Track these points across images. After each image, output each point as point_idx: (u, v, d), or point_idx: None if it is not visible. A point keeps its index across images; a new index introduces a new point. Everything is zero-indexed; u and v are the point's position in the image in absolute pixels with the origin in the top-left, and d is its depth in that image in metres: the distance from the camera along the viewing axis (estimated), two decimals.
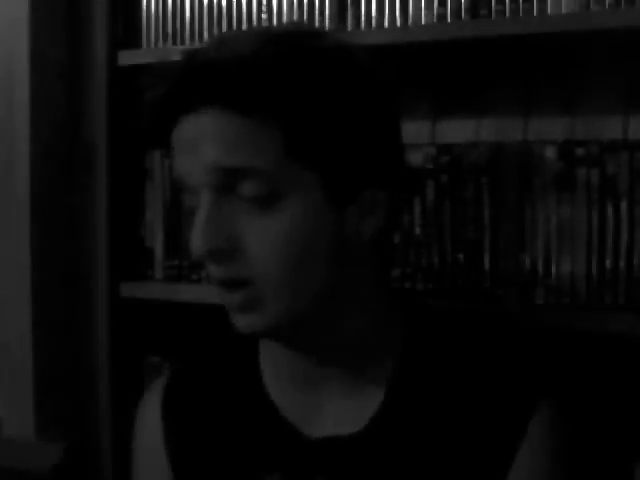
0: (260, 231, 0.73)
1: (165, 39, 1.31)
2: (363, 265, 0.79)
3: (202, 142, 0.73)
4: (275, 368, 0.85)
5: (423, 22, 1.12)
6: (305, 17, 1.19)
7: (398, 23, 1.13)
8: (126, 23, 1.34)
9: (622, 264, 1.04)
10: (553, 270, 1.07)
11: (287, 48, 0.74)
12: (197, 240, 0.73)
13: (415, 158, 1.12)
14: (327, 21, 1.18)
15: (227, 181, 0.73)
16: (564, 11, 1.04)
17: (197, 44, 1.28)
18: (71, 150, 1.39)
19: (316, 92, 0.73)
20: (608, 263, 1.04)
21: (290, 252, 0.73)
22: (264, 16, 1.23)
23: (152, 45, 1.32)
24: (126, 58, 1.32)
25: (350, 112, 0.74)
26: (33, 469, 1.33)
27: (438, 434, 0.79)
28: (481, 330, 0.95)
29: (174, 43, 1.30)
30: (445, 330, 0.86)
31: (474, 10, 1.09)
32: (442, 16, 1.11)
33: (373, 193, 0.76)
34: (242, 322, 0.76)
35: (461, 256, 1.12)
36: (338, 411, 0.81)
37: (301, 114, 0.72)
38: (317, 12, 1.18)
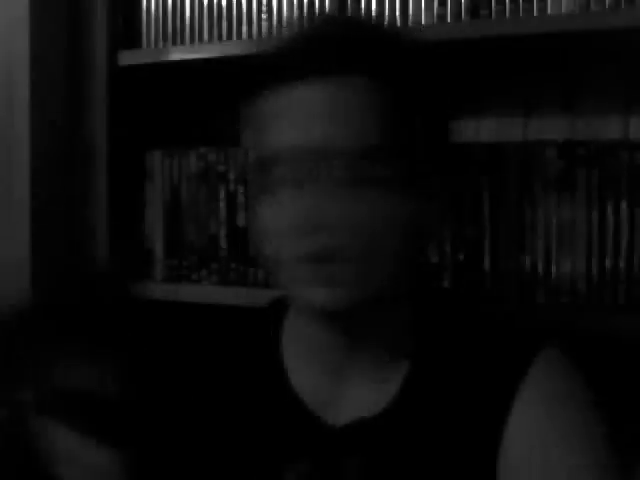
0: (350, 210, 0.72)
1: (165, 39, 1.31)
2: (417, 256, 0.82)
3: (320, 112, 0.72)
4: (300, 354, 0.84)
5: (423, 22, 1.12)
6: (305, 17, 1.19)
7: (398, 23, 1.13)
8: (126, 23, 1.34)
9: (622, 264, 1.04)
10: (553, 270, 1.07)
11: (390, 29, 0.85)
12: (292, 211, 0.72)
13: None
14: None
15: (332, 156, 0.72)
16: (564, 11, 1.04)
17: (197, 44, 1.28)
18: (71, 150, 1.39)
19: (418, 72, 0.77)
20: (608, 263, 1.04)
21: (373, 233, 0.73)
22: (264, 16, 1.23)
23: (152, 45, 1.32)
24: (126, 58, 1.32)
25: (435, 95, 0.80)
26: None
27: (457, 404, 0.79)
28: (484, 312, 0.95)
29: (174, 43, 1.30)
30: (457, 310, 0.87)
31: (474, 10, 1.09)
32: (442, 16, 1.11)
33: (437, 183, 0.79)
34: (317, 296, 0.74)
35: (461, 256, 1.12)
36: (361, 395, 0.82)
37: (416, 93, 0.76)
38: (317, 12, 1.18)
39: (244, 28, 1.24)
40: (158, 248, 1.34)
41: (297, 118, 0.74)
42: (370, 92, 0.73)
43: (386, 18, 1.14)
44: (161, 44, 1.31)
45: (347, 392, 0.82)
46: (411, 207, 0.75)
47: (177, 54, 1.28)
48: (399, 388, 0.81)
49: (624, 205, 1.04)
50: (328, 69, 0.72)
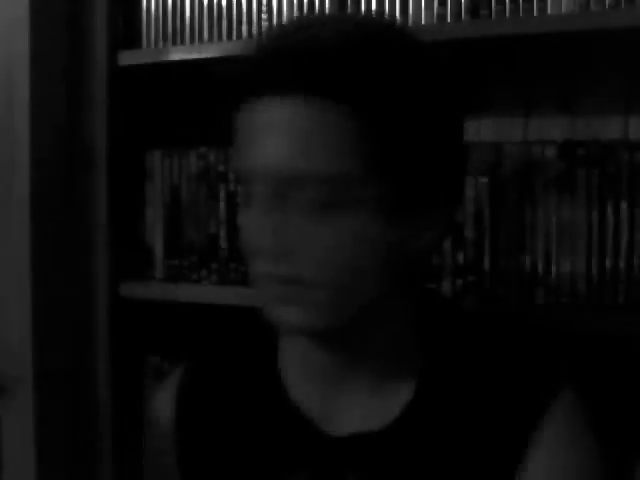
0: (318, 235, 0.70)
1: (165, 39, 1.31)
2: (409, 277, 0.78)
3: (273, 135, 0.69)
4: (298, 366, 0.83)
5: (423, 22, 1.12)
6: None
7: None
8: (126, 23, 1.34)
9: (622, 264, 1.04)
10: (553, 270, 1.07)
11: (380, 40, 0.70)
12: (253, 237, 0.71)
13: None
14: None
15: (293, 184, 0.69)
16: (564, 11, 1.04)
17: (197, 44, 1.28)
18: (71, 150, 1.39)
19: (407, 93, 0.69)
20: (608, 263, 1.04)
21: (344, 259, 0.71)
22: (264, 16, 1.23)
23: (152, 45, 1.32)
24: (126, 58, 1.32)
25: (431, 121, 0.71)
26: None
27: (464, 428, 0.78)
28: (502, 325, 0.95)
29: (174, 43, 1.30)
30: (469, 326, 0.86)
31: (474, 10, 1.09)
32: (442, 16, 1.11)
33: (434, 210, 0.74)
34: (283, 315, 0.73)
35: (461, 256, 1.12)
36: (363, 408, 0.81)
37: (391, 118, 0.68)
38: (317, 12, 1.18)
39: (244, 28, 1.24)
40: (158, 248, 1.34)
41: (261, 138, 0.70)
42: (335, 115, 0.67)
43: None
44: (161, 44, 1.31)
45: (347, 404, 0.81)
46: (391, 234, 0.72)
47: (177, 54, 1.28)
48: (405, 404, 0.80)
49: (624, 205, 1.03)
50: (285, 88, 0.68)
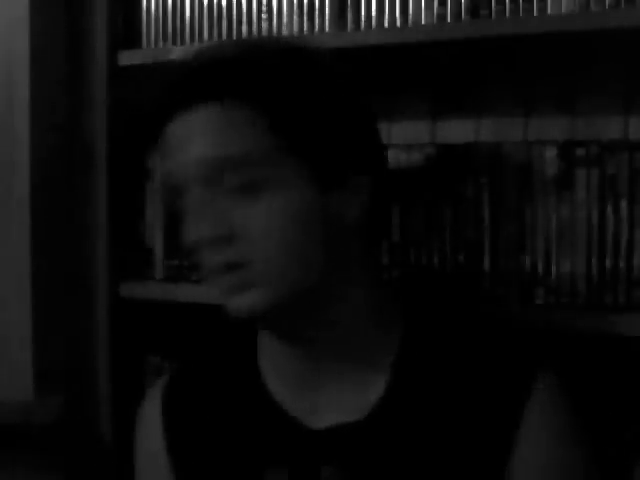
0: (250, 216, 0.76)
1: (165, 39, 1.31)
2: (352, 249, 0.81)
3: (190, 137, 0.77)
4: (274, 363, 0.85)
5: (423, 22, 1.12)
6: (305, 17, 1.19)
7: (398, 23, 1.13)
8: (126, 23, 1.34)
9: (622, 264, 1.04)
10: (553, 270, 1.07)
11: (269, 48, 0.82)
12: (192, 231, 0.77)
13: (415, 158, 1.13)
14: (327, 21, 1.17)
15: (215, 172, 0.76)
16: (564, 11, 1.04)
17: (197, 44, 1.28)
18: (71, 150, 1.39)
19: (299, 83, 0.78)
20: (608, 263, 1.04)
21: (280, 234, 0.76)
22: (264, 16, 1.23)
23: (152, 45, 1.32)
24: (126, 58, 1.32)
25: (328, 101, 0.80)
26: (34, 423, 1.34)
27: (442, 417, 0.80)
28: (478, 317, 0.96)
29: (174, 43, 1.30)
30: (445, 317, 0.88)
31: (474, 10, 1.09)
32: (442, 16, 1.11)
33: (356, 177, 0.80)
34: (237, 303, 0.78)
35: (461, 256, 1.12)
36: (340, 401, 0.82)
37: (286, 103, 0.77)
38: (317, 12, 1.18)
39: (244, 28, 1.24)
40: (158, 248, 1.34)
41: (188, 142, 0.79)
42: (242, 112, 0.77)
43: (386, 18, 1.14)
44: (161, 44, 1.31)
45: (327, 397, 0.83)
46: (318, 205, 0.77)
47: (177, 54, 1.28)
48: (382, 393, 0.81)
49: (624, 205, 1.03)
50: (200, 100, 0.77)
